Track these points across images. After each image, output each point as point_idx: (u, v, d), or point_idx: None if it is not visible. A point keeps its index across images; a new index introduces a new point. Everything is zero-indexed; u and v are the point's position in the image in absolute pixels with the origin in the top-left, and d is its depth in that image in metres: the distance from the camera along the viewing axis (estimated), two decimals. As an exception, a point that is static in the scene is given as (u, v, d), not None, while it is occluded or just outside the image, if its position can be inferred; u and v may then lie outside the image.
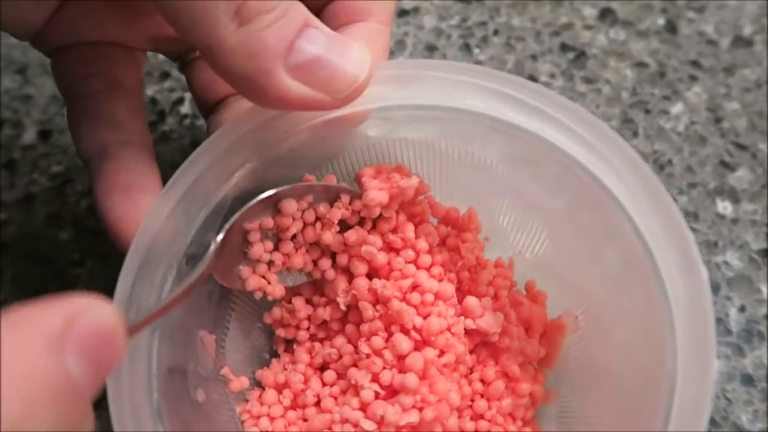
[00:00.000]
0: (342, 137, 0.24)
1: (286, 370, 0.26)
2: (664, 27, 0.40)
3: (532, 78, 0.39)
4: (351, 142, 0.25)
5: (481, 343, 0.25)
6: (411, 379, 0.22)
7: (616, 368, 0.24)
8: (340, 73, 0.18)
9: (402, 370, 0.23)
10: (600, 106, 0.38)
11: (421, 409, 0.22)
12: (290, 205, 0.23)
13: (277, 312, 0.26)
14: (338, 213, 0.24)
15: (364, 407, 0.23)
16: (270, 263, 0.24)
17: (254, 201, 0.22)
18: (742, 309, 0.32)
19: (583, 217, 0.24)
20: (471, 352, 0.25)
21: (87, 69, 0.24)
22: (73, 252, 0.34)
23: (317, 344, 0.26)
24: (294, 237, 0.24)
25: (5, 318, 0.13)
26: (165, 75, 0.39)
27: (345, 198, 0.24)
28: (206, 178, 0.21)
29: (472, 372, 0.25)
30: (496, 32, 0.40)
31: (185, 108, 0.38)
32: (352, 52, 0.19)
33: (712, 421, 0.29)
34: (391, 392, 0.23)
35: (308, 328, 0.26)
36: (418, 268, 0.24)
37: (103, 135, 0.23)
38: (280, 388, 0.25)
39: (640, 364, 0.22)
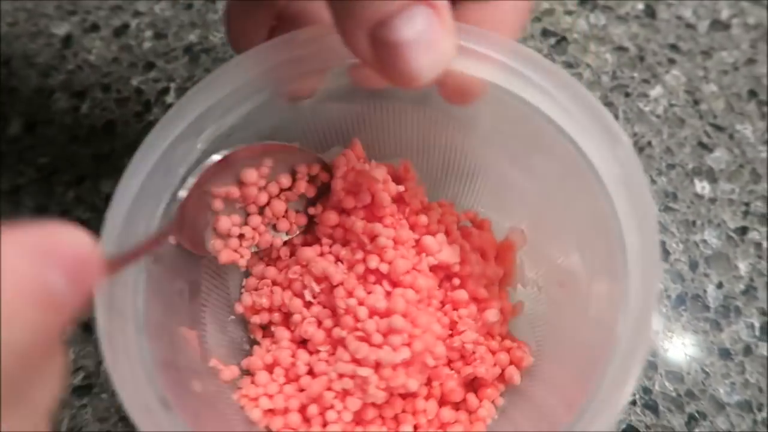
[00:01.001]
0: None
1: (270, 351, 0.26)
2: (643, 11, 0.41)
3: (514, 63, 0.39)
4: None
5: (445, 276, 0.26)
6: (398, 320, 0.23)
7: (571, 263, 0.25)
8: (403, 67, 0.18)
9: (382, 315, 0.24)
10: (581, 90, 0.38)
11: (410, 344, 0.23)
12: (251, 175, 0.24)
13: (247, 299, 0.26)
14: (302, 186, 0.25)
15: (356, 360, 0.23)
16: (241, 237, 0.25)
17: (209, 162, 0.22)
18: (719, 286, 0.33)
19: (505, 129, 0.25)
20: (439, 286, 0.26)
21: None
22: (62, 242, 0.34)
23: (295, 316, 0.26)
24: (261, 210, 0.25)
25: None
26: (150, 65, 0.39)
27: (303, 169, 0.25)
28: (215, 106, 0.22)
29: (444, 305, 0.26)
30: (478, 18, 0.41)
31: (170, 98, 0.38)
32: (430, 53, 0.19)
33: (690, 394, 0.30)
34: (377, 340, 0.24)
35: (280, 308, 0.26)
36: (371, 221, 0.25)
37: None
38: (270, 369, 0.26)
39: (592, 250, 0.24)
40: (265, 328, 0.27)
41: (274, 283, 0.27)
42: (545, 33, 0.40)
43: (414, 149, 0.28)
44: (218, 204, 0.24)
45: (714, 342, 0.32)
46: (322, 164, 0.26)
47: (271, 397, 0.25)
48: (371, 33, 0.18)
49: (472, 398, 0.27)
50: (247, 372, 0.26)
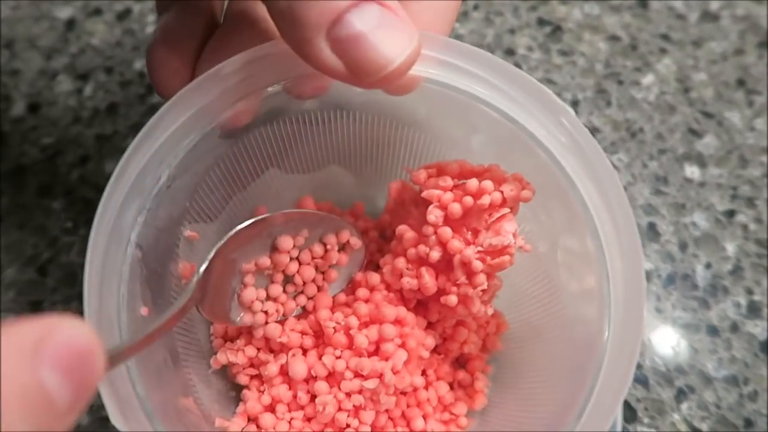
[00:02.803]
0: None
1: (263, 392, 0.26)
2: (636, 2, 0.42)
3: (510, 51, 0.40)
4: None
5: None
6: (388, 329, 0.24)
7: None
8: (373, 56, 0.18)
9: (369, 324, 0.25)
10: (575, 78, 0.39)
11: (404, 345, 0.24)
12: (286, 242, 0.24)
13: (222, 357, 0.26)
14: (333, 256, 0.25)
15: (359, 375, 0.24)
16: (265, 312, 0.25)
17: (238, 228, 0.22)
18: (708, 266, 0.34)
19: (443, 118, 0.25)
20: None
21: None
22: (66, 220, 0.34)
23: (281, 356, 0.26)
24: (287, 278, 0.25)
25: None
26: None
27: (332, 239, 0.25)
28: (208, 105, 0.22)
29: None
30: (476, 7, 0.42)
31: (173, 81, 0.39)
32: (395, 34, 0.18)
33: (679, 369, 0.31)
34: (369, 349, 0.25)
35: (259, 351, 0.26)
36: None
37: None
38: (272, 408, 0.26)
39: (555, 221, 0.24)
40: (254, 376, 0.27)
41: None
42: (540, 22, 0.41)
43: (351, 154, 0.28)
44: (249, 278, 0.24)
45: (702, 319, 0.33)
46: (350, 230, 0.26)
47: (288, 421, 0.25)
48: (328, 35, 0.18)
49: (464, 375, 0.28)
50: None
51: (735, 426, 0.30)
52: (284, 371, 0.25)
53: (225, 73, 0.21)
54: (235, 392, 0.27)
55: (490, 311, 0.24)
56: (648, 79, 0.39)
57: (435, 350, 0.27)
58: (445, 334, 0.27)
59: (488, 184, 0.22)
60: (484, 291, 0.23)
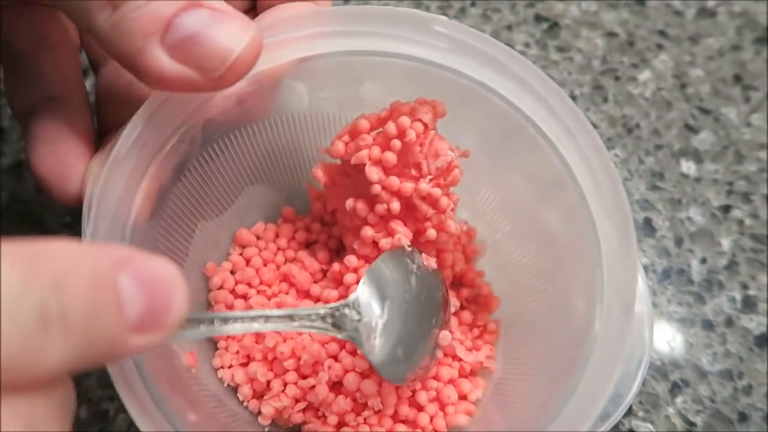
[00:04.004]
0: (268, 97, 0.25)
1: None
2: (633, -2, 0.42)
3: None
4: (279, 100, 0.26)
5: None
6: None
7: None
8: (213, 48, 0.18)
9: None
10: (572, 74, 0.39)
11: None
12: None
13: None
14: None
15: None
16: None
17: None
18: (703, 261, 0.34)
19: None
20: None
21: (13, 28, 0.23)
22: (65, 215, 0.35)
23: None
24: None
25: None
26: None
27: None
28: (142, 147, 0.21)
29: None
30: (473, 3, 0.42)
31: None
32: (229, 26, 0.18)
33: (674, 363, 0.32)
34: None
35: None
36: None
37: (30, 93, 0.23)
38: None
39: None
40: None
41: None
42: (538, 18, 0.41)
43: (258, 170, 0.28)
44: None
45: (697, 314, 0.33)
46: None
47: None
48: (163, 43, 0.17)
49: (467, 290, 0.29)
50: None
51: (729, 420, 0.30)
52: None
53: (120, 156, 0.20)
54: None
55: (462, 227, 0.26)
56: (645, 75, 0.40)
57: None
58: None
59: (405, 120, 0.23)
60: (451, 209, 0.24)
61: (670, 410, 0.30)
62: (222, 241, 0.28)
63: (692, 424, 0.30)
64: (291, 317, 0.20)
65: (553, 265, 0.25)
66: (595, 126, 0.38)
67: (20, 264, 0.11)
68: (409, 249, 0.25)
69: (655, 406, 0.31)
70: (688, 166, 0.37)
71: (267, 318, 0.19)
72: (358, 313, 0.22)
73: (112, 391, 0.22)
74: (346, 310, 0.21)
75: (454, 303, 0.27)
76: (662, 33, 0.41)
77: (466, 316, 0.28)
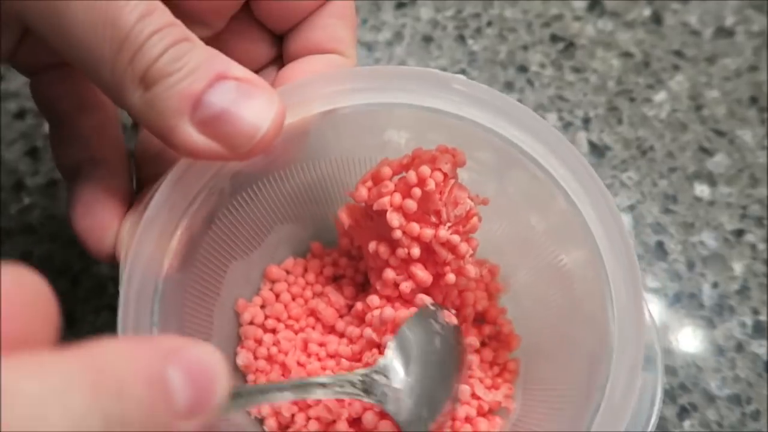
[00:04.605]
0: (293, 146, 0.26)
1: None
2: (649, 18, 0.42)
3: (523, 68, 0.41)
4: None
5: None
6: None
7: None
8: (240, 127, 0.19)
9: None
10: (587, 95, 0.40)
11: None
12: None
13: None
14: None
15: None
16: None
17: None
18: (714, 285, 0.35)
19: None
20: None
21: (56, 90, 0.24)
22: (95, 234, 0.36)
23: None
24: None
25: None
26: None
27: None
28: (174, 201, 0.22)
29: None
30: (489, 23, 0.42)
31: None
32: (256, 101, 0.19)
33: (683, 387, 0.32)
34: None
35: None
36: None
37: (74, 154, 0.24)
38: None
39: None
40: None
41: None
42: (553, 38, 0.42)
43: (286, 209, 0.29)
44: None
45: (707, 338, 0.33)
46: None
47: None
48: (192, 120, 0.18)
49: (489, 327, 0.29)
50: None
51: (737, 444, 0.31)
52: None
53: (150, 219, 0.22)
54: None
55: (482, 270, 0.27)
56: (660, 96, 0.40)
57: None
58: (455, 305, 0.28)
59: (425, 169, 0.24)
60: (470, 255, 0.25)
61: (678, 434, 0.31)
62: (253, 277, 0.30)
63: (699, 448, 0.31)
64: (324, 385, 0.21)
65: (569, 309, 0.26)
66: (609, 148, 0.38)
67: (85, 381, 0.12)
68: (433, 308, 0.26)
69: (663, 429, 0.31)
70: (701, 189, 0.37)
71: (302, 387, 0.21)
72: (387, 377, 0.23)
73: None
74: (376, 376, 0.23)
75: (473, 342, 0.28)
76: (678, 53, 0.41)
77: (487, 354, 0.29)
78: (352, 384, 0.22)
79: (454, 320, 0.26)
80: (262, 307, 0.29)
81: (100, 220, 0.23)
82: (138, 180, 0.26)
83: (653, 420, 0.27)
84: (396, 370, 0.23)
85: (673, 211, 0.36)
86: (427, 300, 0.26)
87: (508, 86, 0.40)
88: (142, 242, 0.22)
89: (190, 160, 0.22)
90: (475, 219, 0.25)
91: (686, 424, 0.31)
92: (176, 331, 0.24)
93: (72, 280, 0.35)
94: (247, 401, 0.19)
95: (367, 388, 0.22)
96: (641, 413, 0.27)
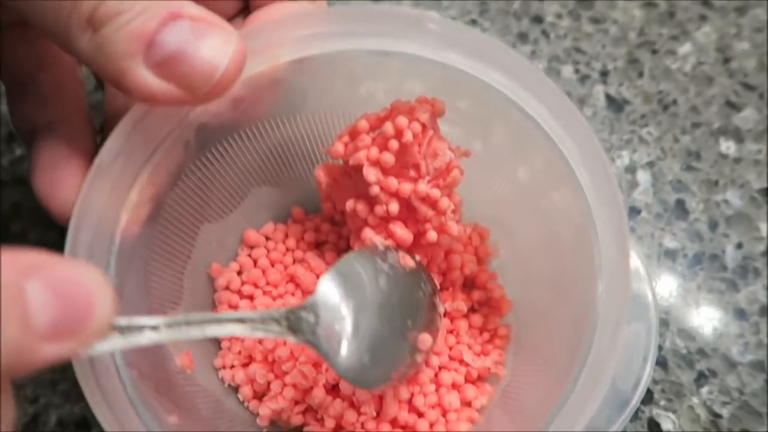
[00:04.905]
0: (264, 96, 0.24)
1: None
2: (676, -34, 0.39)
3: (538, 18, 0.38)
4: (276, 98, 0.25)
5: None
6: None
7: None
8: (197, 67, 0.17)
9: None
10: (606, 47, 0.37)
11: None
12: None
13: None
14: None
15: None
16: None
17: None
18: (739, 246, 0.32)
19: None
20: None
21: (13, 50, 0.23)
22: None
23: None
24: None
25: None
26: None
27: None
28: (131, 153, 0.21)
29: None
30: (503, -28, 0.40)
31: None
32: (212, 40, 0.17)
33: (701, 352, 0.30)
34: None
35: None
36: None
37: (32, 115, 0.22)
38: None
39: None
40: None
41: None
42: (572, -12, 0.39)
43: (263, 169, 0.27)
44: None
45: (729, 302, 0.31)
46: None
47: None
48: (146, 61, 0.17)
49: (478, 293, 0.28)
50: None
51: (758, 413, 0.29)
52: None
53: (105, 163, 0.20)
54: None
55: (467, 230, 0.25)
56: (685, 48, 0.37)
57: (442, 287, 0.27)
58: (441, 269, 0.27)
59: (402, 120, 0.22)
60: (453, 211, 0.23)
61: (695, 400, 0.29)
62: (229, 242, 0.28)
63: (717, 415, 0.29)
64: (242, 320, 0.19)
65: (561, 268, 0.24)
66: (628, 102, 0.36)
67: None
68: (382, 248, 0.24)
69: (679, 395, 0.29)
70: (727, 146, 0.35)
71: (217, 321, 0.18)
72: (316, 316, 0.21)
73: None
74: (303, 313, 0.21)
75: (460, 307, 0.26)
76: (706, 3, 0.38)
77: (477, 319, 0.27)
78: (276, 321, 0.20)
79: (411, 263, 0.24)
80: (239, 273, 0.28)
81: (61, 182, 0.21)
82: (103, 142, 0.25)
83: (645, 377, 0.26)
84: (329, 308, 0.21)
85: (695, 168, 0.34)
86: (377, 240, 0.24)
87: (522, 38, 0.38)
88: (93, 189, 0.20)
89: (147, 106, 0.20)
90: (456, 172, 0.23)
91: (704, 390, 0.29)
92: (139, 292, 0.22)
93: (61, 233, 0.34)
94: (143, 336, 0.16)
95: (293, 326, 0.20)
96: (631, 370, 0.26)
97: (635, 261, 0.25)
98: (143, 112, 0.20)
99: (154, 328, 0.17)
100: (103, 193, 0.20)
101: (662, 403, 0.29)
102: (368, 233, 0.24)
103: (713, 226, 0.33)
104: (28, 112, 0.23)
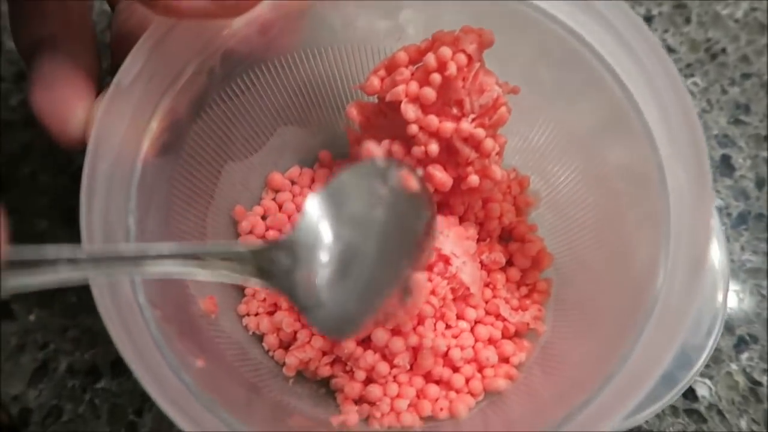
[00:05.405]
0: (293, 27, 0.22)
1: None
2: None
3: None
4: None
5: None
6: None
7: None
8: None
9: None
10: (651, -10, 0.35)
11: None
12: None
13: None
14: None
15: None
16: None
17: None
18: (787, 206, 0.30)
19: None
20: None
21: None
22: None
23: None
24: None
25: None
26: None
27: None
28: (153, 77, 0.19)
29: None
30: None
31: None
32: None
33: (744, 317, 0.28)
34: None
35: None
36: None
37: (35, 31, 0.21)
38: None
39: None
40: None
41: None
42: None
43: (291, 109, 0.26)
44: None
45: (775, 264, 0.29)
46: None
47: None
48: None
49: (516, 245, 0.26)
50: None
51: (801, 382, 0.27)
52: None
53: (124, 84, 0.18)
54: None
55: (511, 174, 0.24)
56: (737, -8, 0.34)
57: (479, 238, 0.25)
58: (478, 218, 0.25)
59: (445, 51, 0.20)
60: (497, 153, 0.22)
61: (734, 366, 0.27)
62: (253, 184, 0.27)
63: (757, 383, 0.27)
64: (194, 256, 0.15)
65: (614, 216, 0.22)
66: (672, 50, 0.33)
67: None
68: (384, 164, 0.19)
69: (717, 361, 0.28)
70: (779, 99, 0.32)
71: (159, 257, 0.15)
72: (295, 257, 0.17)
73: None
74: (277, 253, 0.16)
75: (497, 258, 0.25)
76: (763, -57, 0.35)
77: (514, 273, 0.26)
78: (240, 261, 0.16)
79: (415, 185, 0.20)
80: (263, 217, 0.26)
81: (61, 99, 0.19)
82: (112, 67, 0.23)
83: (710, 344, 0.24)
84: (310, 248, 0.17)
85: (743, 122, 0.32)
86: (375, 150, 0.21)
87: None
88: (111, 113, 0.18)
89: (169, 23, 0.19)
90: (503, 109, 0.21)
91: (744, 356, 0.28)
92: (161, 230, 0.21)
93: (72, 177, 0.32)
94: (55, 274, 0.13)
95: (264, 268, 0.16)
96: (698, 334, 0.24)
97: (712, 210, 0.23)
98: (164, 31, 0.19)
99: (72, 261, 0.14)
100: (122, 117, 0.18)
101: (698, 368, 0.28)
102: (370, 145, 0.21)
103: (760, 184, 0.31)
104: (30, 28, 0.21)
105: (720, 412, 0.27)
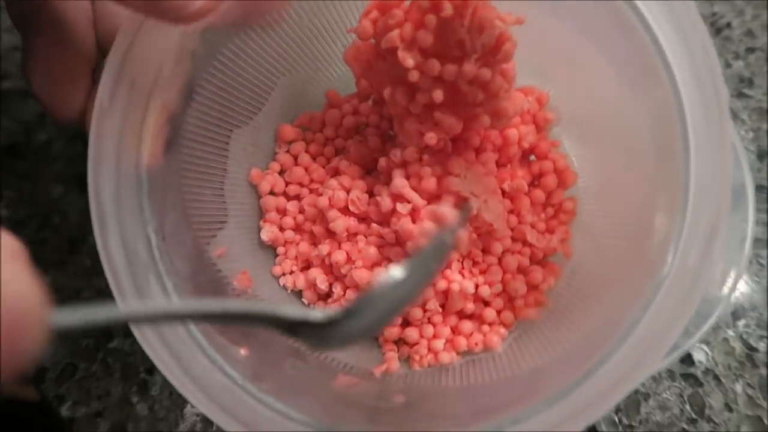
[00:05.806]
0: None
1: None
2: None
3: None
4: None
5: None
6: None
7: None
8: None
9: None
10: (657, -36, 0.35)
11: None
12: None
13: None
14: None
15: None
16: None
17: None
18: (788, 178, 0.31)
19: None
20: None
21: None
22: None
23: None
24: None
25: None
26: None
27: None
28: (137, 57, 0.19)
29: None
30: None
31: None
32: None
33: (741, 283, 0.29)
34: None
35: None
36: None
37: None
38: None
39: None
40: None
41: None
42: None
43: (291, 60, 0.25)
44: None
45: (774, 235, 0.30)
46: None
47: None
48: None
49: (539, 164, 0.26)
50: None
51: (797, 349, 0.28)
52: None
53: (105, 103, 0.18)
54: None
55: (529, 99, 0.23)
56: (744, -33, 0.35)
57: (499, 164, 0.25)
58: (496, 146, 0.24)
59: None
60: (506, 90, 0.20)
61: (730, 333, 0.28)
62: (263, 141, 0.26)
63: (753, 349, 0.28)
64: (274, 317, 0.15)
65: (638, 135, 0.21)
66: (677, 23, 0.33)
67: None
68: (450, 237, 0.20)
69: (714, 327, 0.28)
70: (783, 73, 0.32)
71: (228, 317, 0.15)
72: (360, 322, 0.16)
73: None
74: (346, 318, 0.16)
75: (520, 186, 0.24)
76: None
77: (539, 194, 0.25)
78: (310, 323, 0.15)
79: (463, 248, 0.23)
80: (280, 173, 0.26)
81: (59, 78, 0.19)
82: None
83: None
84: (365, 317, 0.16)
85: (747, 96, 0.32)
86: (448, 211, 0.21)
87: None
88: (103, 135, 0.18)
89: (135, 25, 0.18)
90: (508, 45, 0.19)
91: (740, 323, 0.28)
92: (181, 227, 0.21)
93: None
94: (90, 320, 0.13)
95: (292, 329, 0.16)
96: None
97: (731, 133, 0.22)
98: (132, 36, 0.18)
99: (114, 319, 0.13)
100: (113, 136, 0.18)
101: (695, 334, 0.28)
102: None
103: (762, 156, 0.31)
104: None
105: (716, 377, 0.27)
